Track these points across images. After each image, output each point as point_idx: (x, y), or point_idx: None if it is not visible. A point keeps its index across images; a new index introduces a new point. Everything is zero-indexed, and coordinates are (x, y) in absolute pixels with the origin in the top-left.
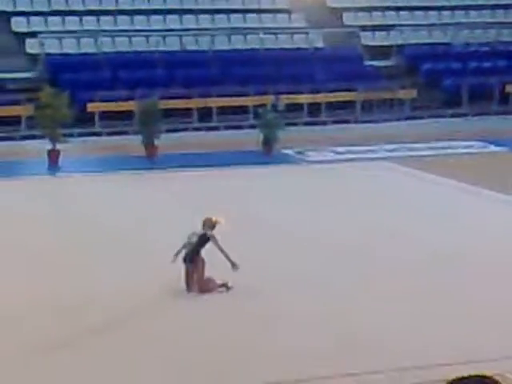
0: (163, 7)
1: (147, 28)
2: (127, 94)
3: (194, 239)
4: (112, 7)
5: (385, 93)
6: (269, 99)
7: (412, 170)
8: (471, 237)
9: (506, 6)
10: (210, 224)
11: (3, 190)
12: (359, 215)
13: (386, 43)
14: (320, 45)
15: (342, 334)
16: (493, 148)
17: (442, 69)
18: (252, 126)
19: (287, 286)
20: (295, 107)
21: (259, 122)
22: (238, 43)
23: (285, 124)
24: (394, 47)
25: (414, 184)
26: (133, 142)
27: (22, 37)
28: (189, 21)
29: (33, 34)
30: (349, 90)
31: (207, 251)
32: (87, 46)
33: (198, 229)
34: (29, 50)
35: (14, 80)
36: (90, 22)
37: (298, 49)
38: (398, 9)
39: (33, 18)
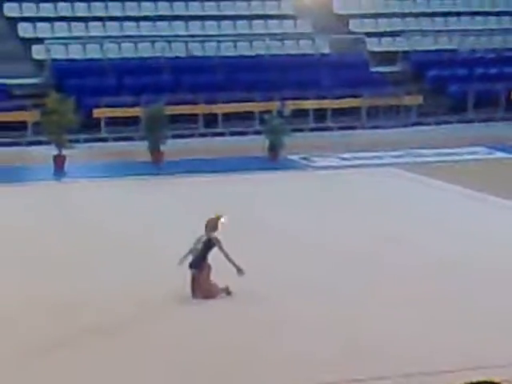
0: (169, 13)
1: (153, 34)
2: (133, 99)
3: (200, 246)
4: (118, 13)
5: (391, 99)
6: (275, 105)
7: (418, 176)
8: (477, 243)
9: None
10: (212, 224)
11: (9, 196)
12: (365, 221)
13: (392, 49)
14: (326, 51)
15: (348, 340)
16: (499, 154)
17: (448, 75)
18: (258, 132)
19: (293, 291)
20: (301, 113)
21: (265, 128)
22: (244, 49)
23: (291, 130)
24: (399, 53)
25: (420, 190)
26: (139, 148)
27: (28, 43)
28: (195, 27)
29: (39, 40)
30: (355, 96)
31: (211, 256)
32: (93, 52)
33: (203, 233)
34: (35, 56)
35: (20, 86)
36: (95, 28)
37: (304, 55)
38: (404, 15)
39: (39, 24)
